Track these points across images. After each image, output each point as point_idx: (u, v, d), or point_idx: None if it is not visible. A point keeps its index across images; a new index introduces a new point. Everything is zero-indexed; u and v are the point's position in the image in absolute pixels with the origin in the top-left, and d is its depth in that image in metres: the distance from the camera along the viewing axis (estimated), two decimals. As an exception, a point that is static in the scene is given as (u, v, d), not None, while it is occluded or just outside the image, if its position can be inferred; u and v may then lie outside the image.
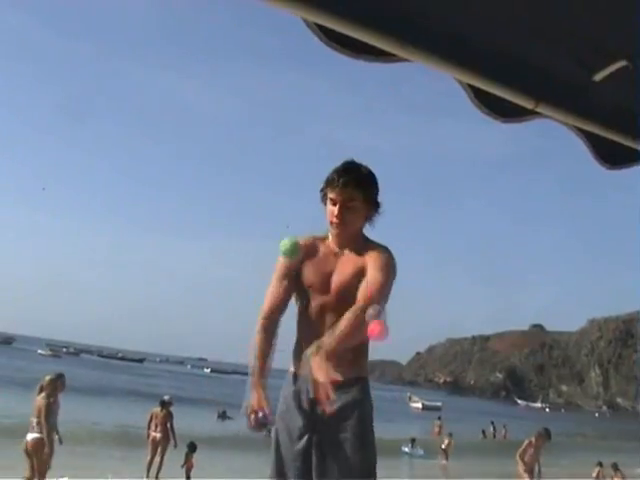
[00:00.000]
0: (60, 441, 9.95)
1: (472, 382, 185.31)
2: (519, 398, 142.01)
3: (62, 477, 11.33)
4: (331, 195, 3.15)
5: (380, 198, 3.23)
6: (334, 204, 3.14)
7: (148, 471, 14.36)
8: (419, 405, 64.04)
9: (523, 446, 14.85)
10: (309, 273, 3.18)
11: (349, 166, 3.18)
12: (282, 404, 3.19)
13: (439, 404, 64.21)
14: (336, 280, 3.13)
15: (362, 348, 3.11)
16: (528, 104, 2.84)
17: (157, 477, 14.33)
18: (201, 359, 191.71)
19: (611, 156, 3.30)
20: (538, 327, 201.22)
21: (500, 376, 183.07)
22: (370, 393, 3.20)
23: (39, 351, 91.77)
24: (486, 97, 2.79)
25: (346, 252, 3.18)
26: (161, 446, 14.48)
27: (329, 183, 3.16)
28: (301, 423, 3.11)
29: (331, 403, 2.73)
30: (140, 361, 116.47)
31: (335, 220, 3.14)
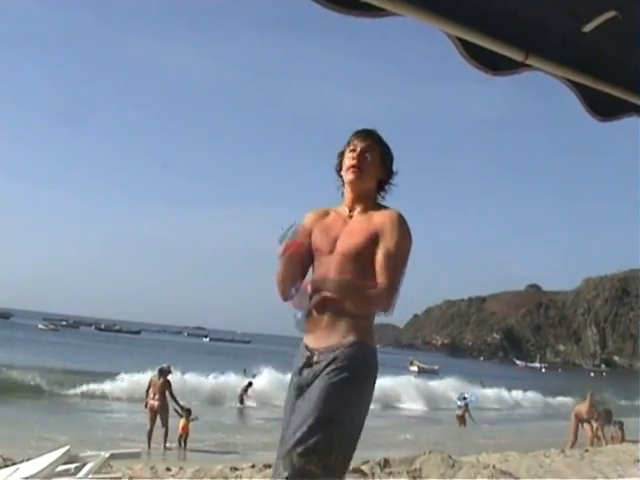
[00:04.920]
0: None
1: (470, 343, 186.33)
2: (517, 358, 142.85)
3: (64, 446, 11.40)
4: (351, 146, 3.20)
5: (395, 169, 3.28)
6: (354, 151, 3.18)
7: (149, 439, 14.43)
8: (415, 368, 64.48)
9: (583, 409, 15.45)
10: (316, 237, 3.18)
11: (368, 129, 3.25)
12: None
13: (436, 367, 64.76)
14: (342, 241, 3.11)
15: (365, 313, 3.08)
16: (518, 56, 2.83)
17: (164, 446, 14.42)
18: (199, 328, 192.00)
19: (602, 108, 3.29)
20: (534, 287, 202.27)
21: (497, 337, 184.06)
22: (367, 358, 3.07)
23: (39, 325, 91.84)
24: (476, 50, 2.78)
25: (356, 215, 3.18)
26: (161, 414, 14.54)
27: (349, 140, 3.22)
28: (295, 383, 3.13)
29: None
30: (137, 332, 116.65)
31: (354, 163, 3.16)
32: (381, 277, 2.96)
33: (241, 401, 25.22)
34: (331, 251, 3.11)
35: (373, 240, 3.04)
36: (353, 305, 2.99)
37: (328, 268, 3.09)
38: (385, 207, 3.19)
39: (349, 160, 3.18)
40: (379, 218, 3.10)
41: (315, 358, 3.05)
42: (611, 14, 2.80)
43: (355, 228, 3.12)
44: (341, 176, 3.26)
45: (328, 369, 2.99)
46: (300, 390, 3.07)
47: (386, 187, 3.26)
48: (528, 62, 2.87)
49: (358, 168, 3.15)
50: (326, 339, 3.04)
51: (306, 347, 3.12)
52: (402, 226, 3.07)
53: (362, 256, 3.03)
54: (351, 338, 3.01)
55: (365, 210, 3.17)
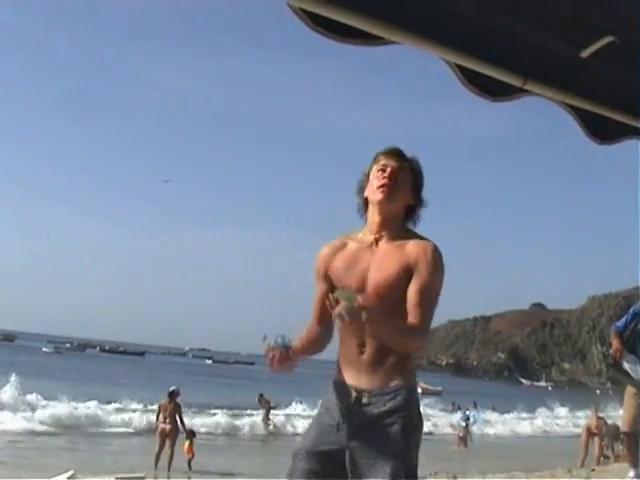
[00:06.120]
0: None
1: (475, 363, 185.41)
2: (522, 377, 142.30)
3: (68, 471, 11.38)
4: (380, 165, 2.90)
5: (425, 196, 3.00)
6: (383, 170, 2.88)
7: (156, 463, 14.39)
8: (419, 390, 64.53)
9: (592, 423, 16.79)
10: (341, 272, 2.89)
11: (398, 147, 2.97)
12: (321, 411, 2.95)
13: (440, 388, 64.79)
14: (374, 277, 2.81)
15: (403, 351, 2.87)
16: (516, 82, 2.86)
17: (169, 469, 14.36)
18: (203, 349, 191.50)
19: (602, 131, 3.32)
20: (539, 306, 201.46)
21: (502, 356, 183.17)
22: (418, 402, 2.92)
23: (44, 349, 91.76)
24: (475, 76, 2.80)
25: (382, 244, 2.88)
26: (170, 438, 14.51)
27: (377, 157, 2.93)
28: (334, 437, 2.82)
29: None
30: (141, 354, 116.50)
31: (385, 182, 2.86)
32: (413, 315, 2.73)
33: (266, 425, 24.96)
34: (361, 287, 2.79)
35: (406, 273, 2.77)
36: (386, 339, 2.74)
37: None
38: (416, 234, 2.91)
39: (378, 180, 2.87)
40: (413, 249, 2.81)
41: (365, 400, 2.80)
42: (608, 39, 2.82)
43: (386, 259, 2.83)
44: (363, 198, 2.97)
45: (395, 430, 2.77)
46: (351, 434, 2.80)
47: (414, 216, 2.97)
48: (527, 87, 2.90)
49: (389, 188, 2.85)
50: (373, 378, 2.82)
51: (345, 385, 2.86)
52: (438, 262, 2.81)
53: (394, 290, 2.77)
54: (402, 380, 2.83)
55: (393, 236, 2.87)
